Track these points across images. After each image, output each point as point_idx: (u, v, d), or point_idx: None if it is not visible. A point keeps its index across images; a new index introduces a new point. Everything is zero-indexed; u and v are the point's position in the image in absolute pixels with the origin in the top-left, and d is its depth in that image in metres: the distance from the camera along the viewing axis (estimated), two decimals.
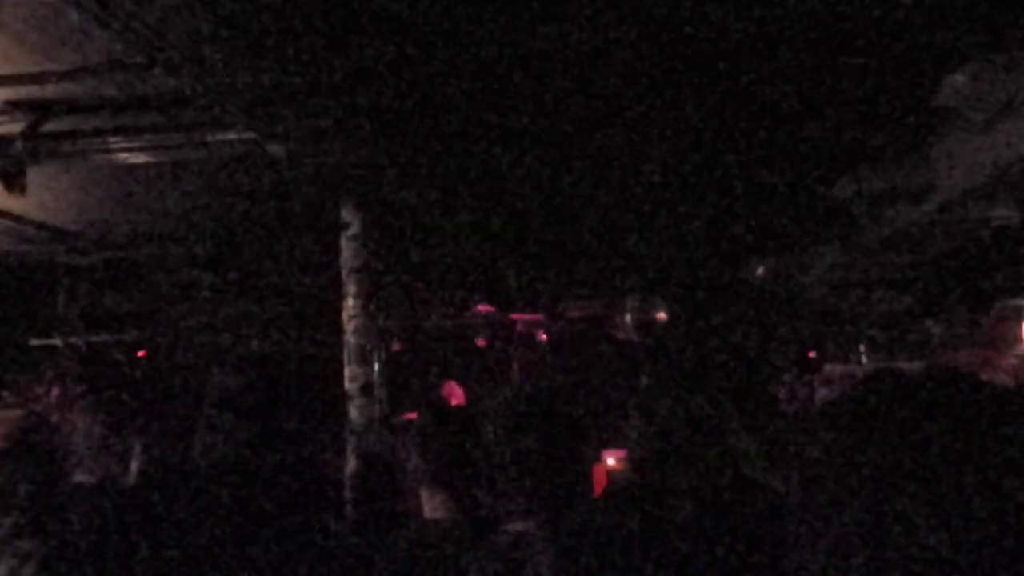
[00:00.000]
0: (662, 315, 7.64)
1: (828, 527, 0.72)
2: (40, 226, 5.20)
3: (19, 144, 3.32)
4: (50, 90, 3.05)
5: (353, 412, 4.03)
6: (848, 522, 0.70)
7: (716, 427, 1.89)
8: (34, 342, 6.54)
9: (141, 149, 3.46)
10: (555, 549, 1.69)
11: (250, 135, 3.28)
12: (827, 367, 7.41)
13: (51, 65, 2.85)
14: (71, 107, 3.20)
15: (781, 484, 1.90)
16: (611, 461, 6.96)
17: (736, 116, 3.89)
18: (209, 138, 3.33)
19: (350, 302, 4.11)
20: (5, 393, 6.08)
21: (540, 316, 9.20)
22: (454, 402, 5.61)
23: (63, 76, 2.91)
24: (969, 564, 0.65)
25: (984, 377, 0.76)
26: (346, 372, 4.08)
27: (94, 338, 6.84)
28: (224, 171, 4.16)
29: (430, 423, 2.22)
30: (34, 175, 3.51)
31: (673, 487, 1.82)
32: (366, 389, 4.04)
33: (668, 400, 1.92)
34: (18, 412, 2.34)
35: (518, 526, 1.77)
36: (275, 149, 3.40)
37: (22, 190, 3.44)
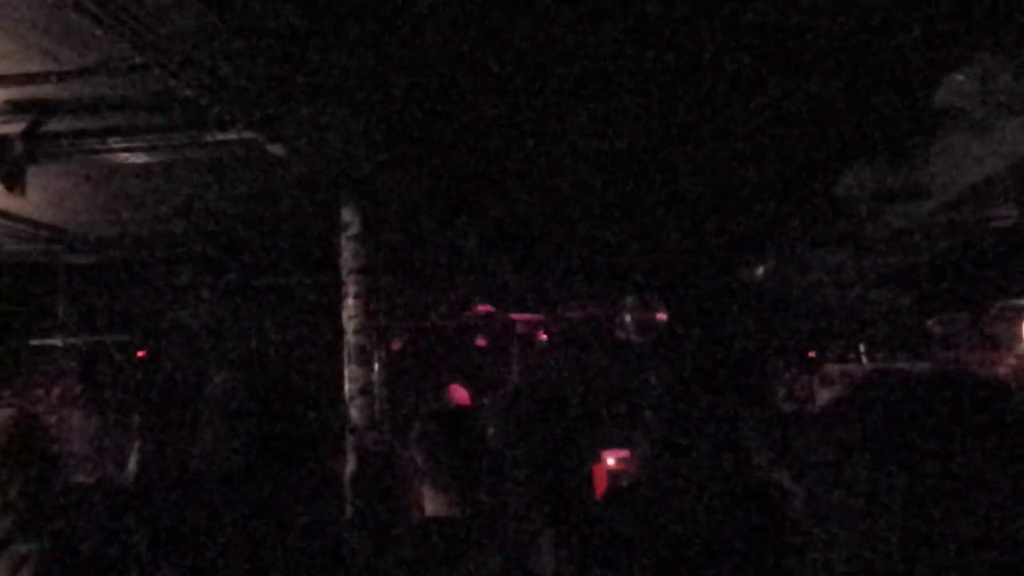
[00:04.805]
0: (662, 315, 7.64)
1: (833, 524, 0.72)
2: (40, 226, 5.20)
3: (19, 144, 3.32)
4: (50, 90, 3.05)
5: (353, 412, 4.03)
6: (853, 520, 0.70)
7: (725, 426, 1.89)
8: (34, 342, 6.54)
9: (141, 149, 3.46)
10: (557, 548, 1.68)
11: (250, 135, 3.27)
12: (827, 367, 7.41)
13: (51, 65, 2.85)
14: (71, 107, 3.20)
15: (788, 483, 1.90)
16: (611, 461, 6.96)
17: (736, 115, 3.89)
18: (209, 138, 3.32)
19: (350, 302, 4.11)
20: (5, 393, 6.08)
21: (540, 316, 9.20)
22: (459, 404, 5.62)
23: (63, 76, 2.91)
24: (980, 563, 0.65)
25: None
26: (346, 372, 4.08)
27: (94, 338, 6.84)
28: (224, 171, 4.16)
29: (432, 423, 2.22)
30: (34, 175, 3.51)
31: (683, 486, 1.82)
32: (366, 389, 4.04)
33: (679, 399, 1.92)
34: (11, 412, 2.32)
35: (520, 525, 1.77)
36: (275, 149, 3.40)
37: (22, 190, 3.44)
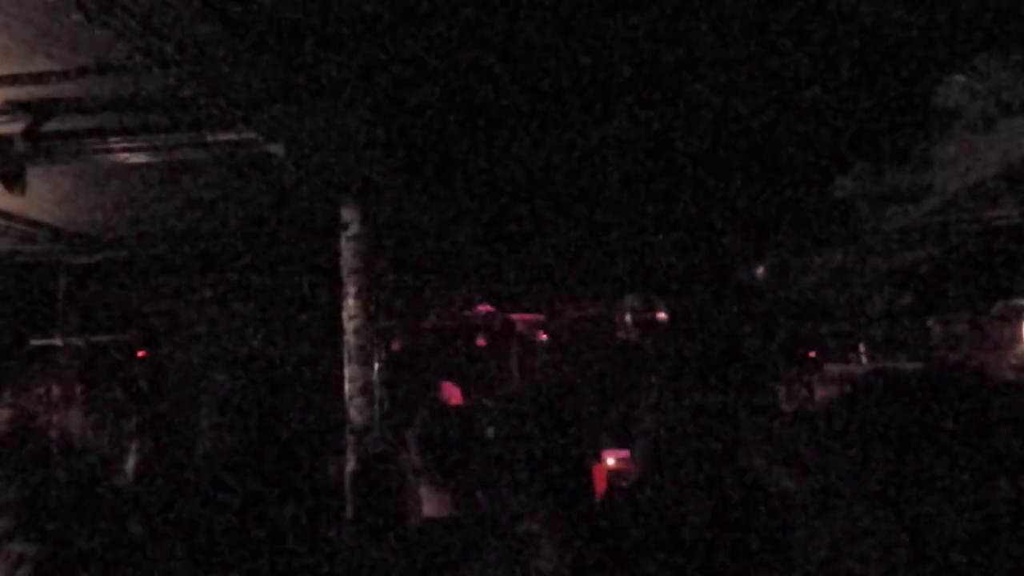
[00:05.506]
0: (662, 315, 7.63)
1: (832, 524, 0.72)
2: (40, 226, 5.21)
3: (19, 144, 3.32)
4: (50, 90, 3.05)
5: (353, 412, 4.03)
6: (852, 519, 0.70)
7: (725, 425, 1.89)
8: (34, 342, 6.54)
9: (141, 149, 3.46)
10: (557, 548, 1.68)
11: (250, 135, 3.27)
12: (827, 367, 7.41)
13: (51, 65, 2.85)
14: (71, 107, 3.20)
15: (787, 481, 1.90)
16: (611, 461, 6.96)
17: (737, 116, 3.89)
18: (209, 138, 3.32)
19: (350, 302, 4.11)
20: (5, 393, 6.07)
21: (540, 316, 9.20)
22: (452, 402, 5.60)
23: (63, 76, 2.91)
24: (974, 560, 0.65)
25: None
26: (346, 372, 4.08)
27: (94, 338, 6.84)
28: (224, 171, 4.16)
29: (430, 422, 2.22)
30: (34, 175, 3.51)
31: (682, 485, 1.82)
32: (366, 389, 4.04)
33: (679, 399, 1.92)
34: (10, 412, 2.32)
35: (519, 526, 1.77)
36: (275, 149, 3.40)
37: (22, 190, 3.45)
